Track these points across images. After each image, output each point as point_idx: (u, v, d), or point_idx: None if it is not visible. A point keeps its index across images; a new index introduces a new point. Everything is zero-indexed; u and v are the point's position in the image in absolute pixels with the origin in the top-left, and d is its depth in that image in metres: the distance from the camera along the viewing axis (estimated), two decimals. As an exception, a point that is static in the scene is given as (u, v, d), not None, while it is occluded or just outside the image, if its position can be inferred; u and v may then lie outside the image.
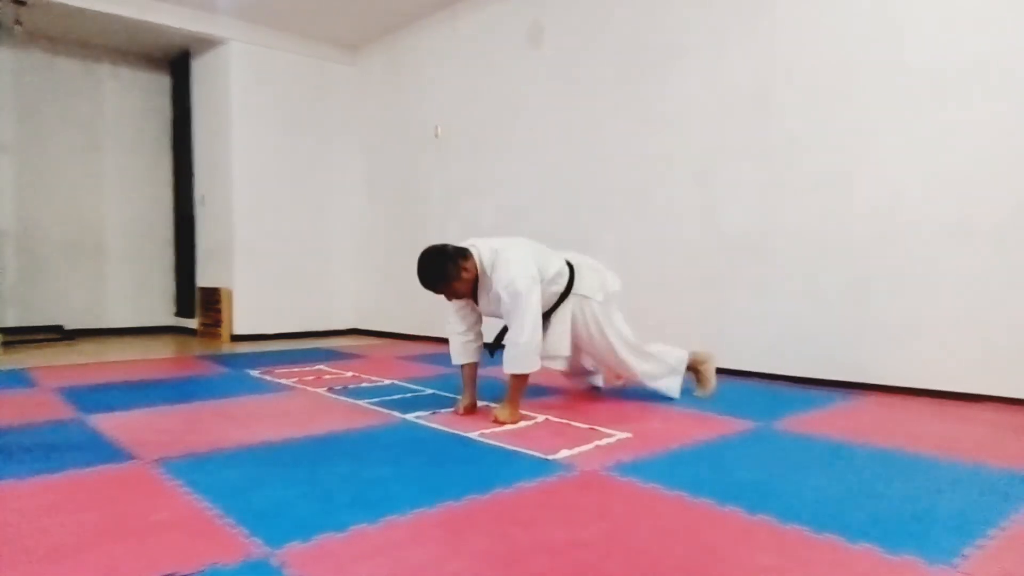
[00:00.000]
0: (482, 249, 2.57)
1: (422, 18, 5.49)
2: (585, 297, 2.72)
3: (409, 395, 3.05)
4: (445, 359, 4.48)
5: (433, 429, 2.41)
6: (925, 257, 2.97)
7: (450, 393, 3.06)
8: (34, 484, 1.77)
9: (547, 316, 2.68)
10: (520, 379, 2.53)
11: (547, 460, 1.99)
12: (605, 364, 2.95)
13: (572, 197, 4.42)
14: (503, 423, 2.44)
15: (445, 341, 5.28)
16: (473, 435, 2.30)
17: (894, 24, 3.06)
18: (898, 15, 3.06)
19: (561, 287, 2.70)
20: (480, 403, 2.73)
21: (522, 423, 2.48)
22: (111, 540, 1.40)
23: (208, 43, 5.71)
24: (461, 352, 2.73)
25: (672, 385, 2.91)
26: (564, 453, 2.06)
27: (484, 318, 2.76)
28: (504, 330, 2.64)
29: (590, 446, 2.14)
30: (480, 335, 2.75)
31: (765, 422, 2.50)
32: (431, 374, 3.72)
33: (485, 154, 5.03)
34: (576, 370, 3.10)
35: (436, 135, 5.39)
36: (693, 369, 2.97)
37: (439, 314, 5.42)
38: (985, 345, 2.82)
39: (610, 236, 4.15)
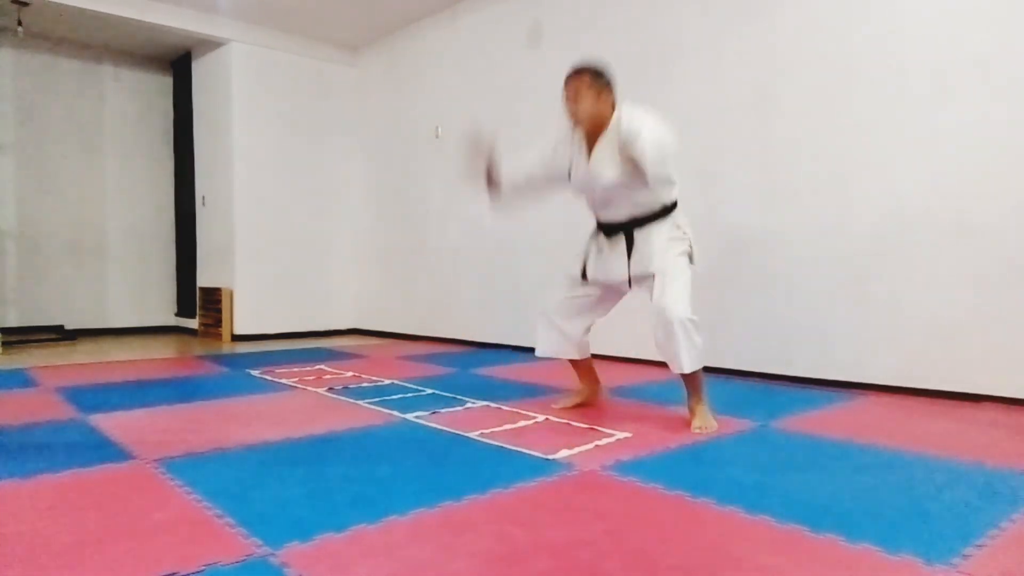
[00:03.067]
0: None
1: (422, 18, 5.49)
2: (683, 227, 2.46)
3: (409, 395, 3.05)
4: (445, 359, 4.52)
5: (433, 429, 2.41)
6: (925, 257, 2.97)
7: (450, 393, 3.06)
8: (34, 484, 1.77)
9: (641, 223, 2.40)
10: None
11: (547, 460, 1.99)
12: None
13: (571, 196, 4.40)
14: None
15: (445, 341, 5.39)
16: (473, 435, 2.30)
17: (894, 24, 3.06)
18: (898, 15, 3.05)
19: (673, 195, 2.40)
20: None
21: (521, 422, 2.47)
22: (111, 540, 1.40)
23: (209, 44, 5.71)
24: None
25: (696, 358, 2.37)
26: (564, 453, 2.06)
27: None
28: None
29: (590, 446, 2.14)
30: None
31: (765, 422, 2.50)
32: (431, 374, 3.72)
33: (485, 154, 5.02)
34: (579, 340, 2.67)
35: (436, 135, 5.39)
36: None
37: (439, 314, 5.47)
38: (985, 345, 2.82)
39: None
